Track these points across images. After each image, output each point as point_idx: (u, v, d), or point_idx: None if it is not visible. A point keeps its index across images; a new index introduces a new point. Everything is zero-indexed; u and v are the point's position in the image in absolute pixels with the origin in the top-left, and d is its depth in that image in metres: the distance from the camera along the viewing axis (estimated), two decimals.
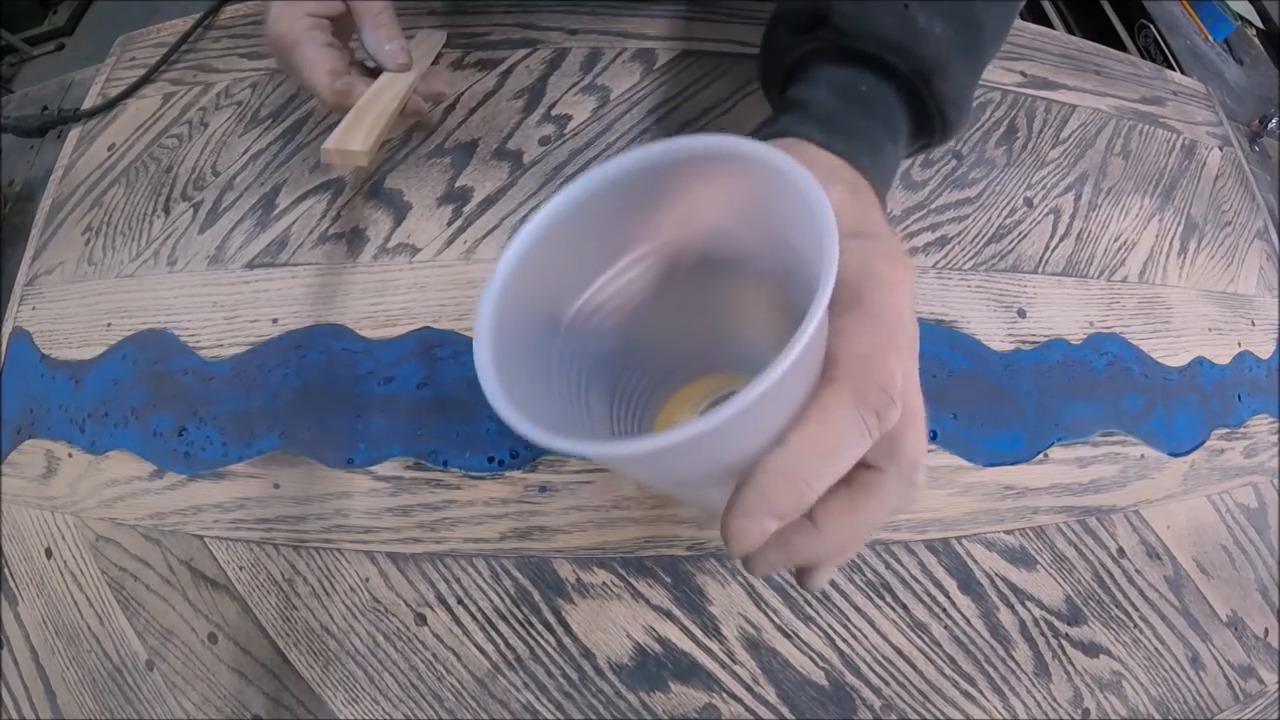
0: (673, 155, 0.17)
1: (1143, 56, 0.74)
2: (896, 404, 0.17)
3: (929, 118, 0.26)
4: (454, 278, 0.36)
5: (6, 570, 0.36)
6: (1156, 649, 0.35)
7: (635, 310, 0.21)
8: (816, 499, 0.17)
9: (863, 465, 0.18)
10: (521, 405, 0.15)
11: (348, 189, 0.38)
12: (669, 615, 0.31)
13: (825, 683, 0.31)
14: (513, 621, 0.31)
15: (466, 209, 0.37)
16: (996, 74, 0.45)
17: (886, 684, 0.31)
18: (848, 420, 0.17)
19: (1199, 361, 0.42)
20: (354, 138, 0.29)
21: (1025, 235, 0.41)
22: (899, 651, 0.32)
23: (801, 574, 0.22)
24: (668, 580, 0.31)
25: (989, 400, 0.36)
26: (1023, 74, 0.46)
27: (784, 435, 0.16)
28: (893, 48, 0.24)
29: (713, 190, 0.19)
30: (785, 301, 0.20)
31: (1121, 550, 0.36)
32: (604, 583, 0.31)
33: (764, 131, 0.25)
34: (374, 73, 0.33)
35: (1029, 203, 0.42)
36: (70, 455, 0.36)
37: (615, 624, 0.31)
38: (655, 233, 0.20)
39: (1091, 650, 0.34)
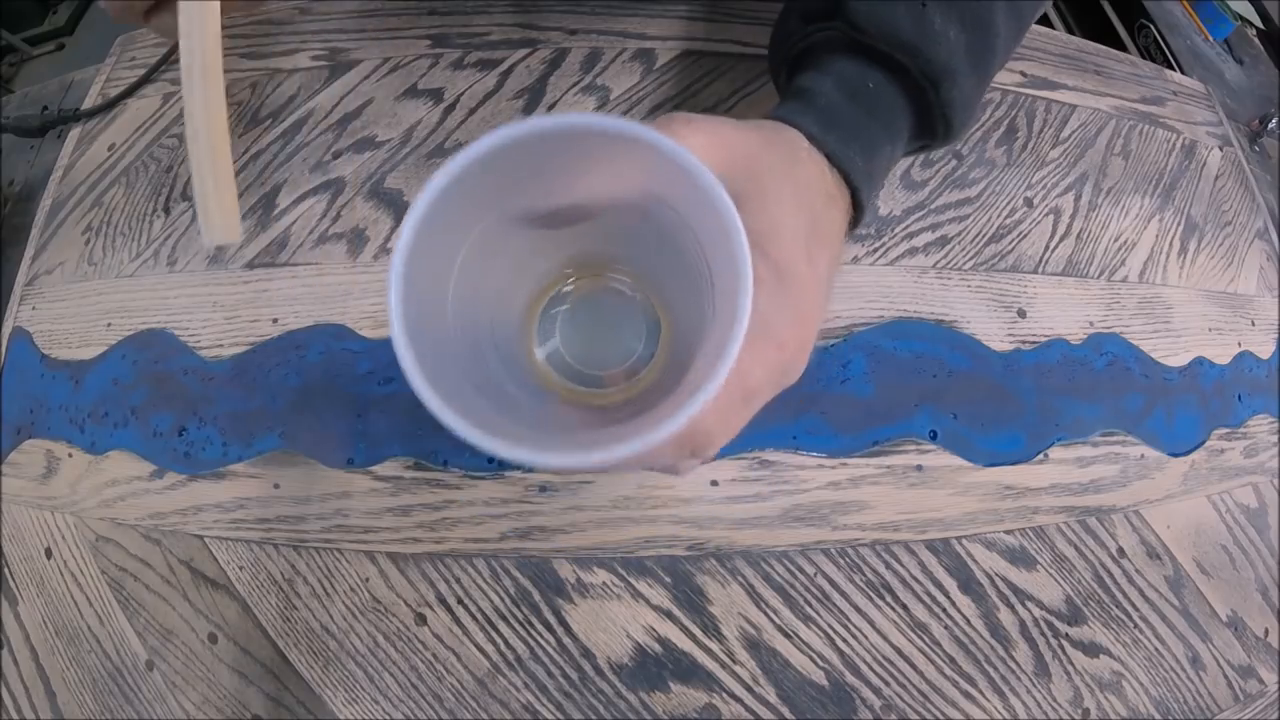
0: (579, 128, 0.16)
1: (1143, 56, 0.74)
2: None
3: (932, 121, 0.26)
4: None
5: (6, 570, 0.36)
6: (1156, 649, 0.35)
7: (525, 239, 0.21)
8: None
9: None
10: (453, 400, 0.14)
11: (348, 189, 0.38)
12: (669, 615, 0.31)
13: (825, 683, 0.31)
14: (513, 621, 0.31)
15: None
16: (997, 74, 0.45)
17: (886, 684, 0.31)
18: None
19: (1199, 361, 0.42)
20: (215, 222, 0.26)
21: (1025, 235, 0.41)
22: (899, 651, 0.32)
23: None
24: (668, 580, 0.31)
25: (989, 400, 0.36)
26: (1023, 74, 0.46)
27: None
28: (904, 47, 0.24)
29: (620, 165, 0.18)
30: (677, 240, 0.20)
31: (1121, 550, 0.36)
32: (604, 583, 0.31)
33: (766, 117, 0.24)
34: None
35: (1029, 203, 0.42)
36: (70, 455, 0.36)
37: (615, 624, 0.31)
38: (558, 190, 0.19)
39: (1091, 650, 0.34)
